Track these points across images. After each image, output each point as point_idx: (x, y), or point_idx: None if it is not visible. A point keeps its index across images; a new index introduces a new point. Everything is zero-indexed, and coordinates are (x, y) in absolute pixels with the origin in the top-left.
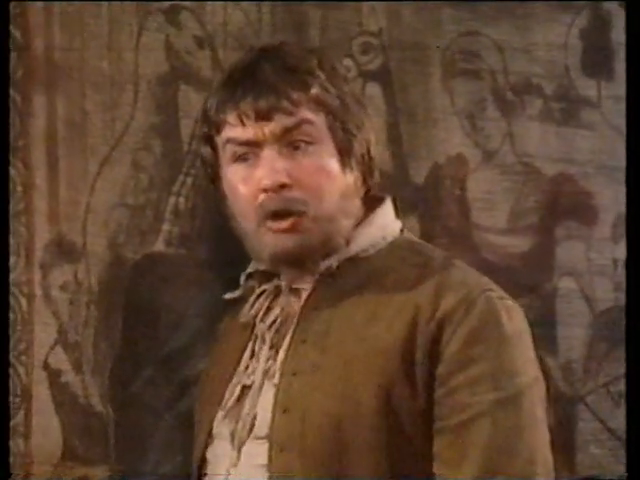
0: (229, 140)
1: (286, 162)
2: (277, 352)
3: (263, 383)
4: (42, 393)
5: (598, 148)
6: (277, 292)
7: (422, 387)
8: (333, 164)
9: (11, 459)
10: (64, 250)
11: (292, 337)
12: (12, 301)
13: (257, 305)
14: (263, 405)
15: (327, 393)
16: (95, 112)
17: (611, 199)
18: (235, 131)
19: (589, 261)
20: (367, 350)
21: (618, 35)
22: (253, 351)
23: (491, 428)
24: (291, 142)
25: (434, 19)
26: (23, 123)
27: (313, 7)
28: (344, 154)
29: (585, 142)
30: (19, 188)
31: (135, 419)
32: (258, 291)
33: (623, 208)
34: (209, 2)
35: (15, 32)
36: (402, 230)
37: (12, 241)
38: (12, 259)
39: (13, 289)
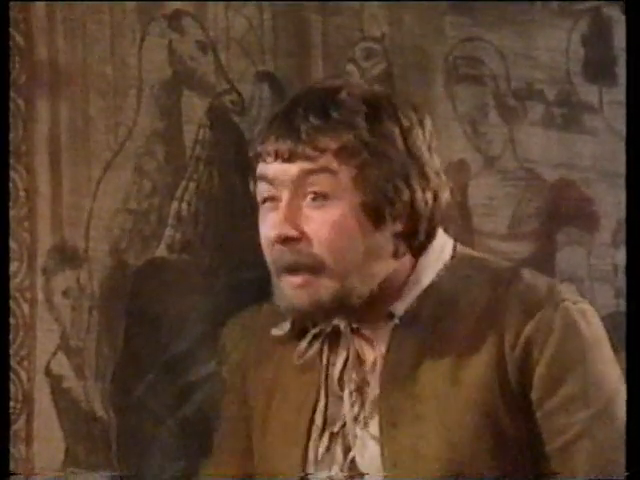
0: (258, 176)
1: (299, 214)
2: (361, 398)
3: (356, 431)
4: (44, 399)
5: (600, 154)
6: (337, 333)
7: (522, 412)
8: (352, 221)
9: (12, 465)
10: (67, 255)
11: (380, 385)
12: (14, 306)
13: (316, 347)
14: (365, 456)
15: (433, 441)
16: (98, 117)
17: (612, 205)
18: (261, 167)
19: (590, 267)
20: (461, 388)
21: (619, 41)
22: (327, 396)
23: (592, 446)
24: (309, 192)
25: (436, 25)
26: (26, 128)
27: (314, 13)
28: (371, 212)
29: (586, 148)
30: (22, 193)
31: (137, 424)
32: (314, 331)
33: (624, 214)
34: (211, 8)
35: (18, 37)
36: (454, 244)
37: (14, 246)
38: (14, 264)
39: (15, 294)
